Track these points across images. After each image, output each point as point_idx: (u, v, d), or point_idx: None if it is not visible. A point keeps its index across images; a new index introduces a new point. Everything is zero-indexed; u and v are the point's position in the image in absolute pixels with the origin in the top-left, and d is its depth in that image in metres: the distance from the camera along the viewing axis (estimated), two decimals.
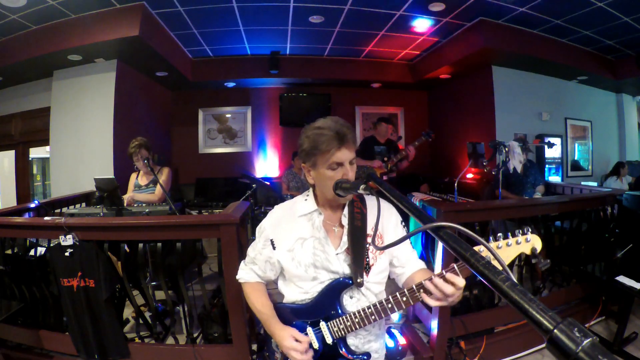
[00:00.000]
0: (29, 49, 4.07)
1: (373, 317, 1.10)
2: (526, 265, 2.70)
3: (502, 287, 0.50)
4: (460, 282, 0.96)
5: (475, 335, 2.39)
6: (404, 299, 1.05)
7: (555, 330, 0.41)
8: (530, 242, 1.03)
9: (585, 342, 0.38)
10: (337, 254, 1.19)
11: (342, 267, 1.19)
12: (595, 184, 6.05)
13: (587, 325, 2.76)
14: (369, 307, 1.11)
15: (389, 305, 1.08)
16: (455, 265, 0.99)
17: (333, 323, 1.16)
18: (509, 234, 1.04)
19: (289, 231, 1.22)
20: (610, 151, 6.52)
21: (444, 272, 0.99)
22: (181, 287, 2.25)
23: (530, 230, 1.04)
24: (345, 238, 1.20)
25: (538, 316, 0.43)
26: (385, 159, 3.93)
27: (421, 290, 1.02)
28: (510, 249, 1.02)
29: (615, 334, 2.46)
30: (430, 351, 2.28)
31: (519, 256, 1.04)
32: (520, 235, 1.03)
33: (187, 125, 6.49)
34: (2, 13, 3.59)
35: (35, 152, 5.56)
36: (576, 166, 6.21)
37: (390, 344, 2.35)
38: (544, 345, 0.43)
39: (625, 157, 6.54)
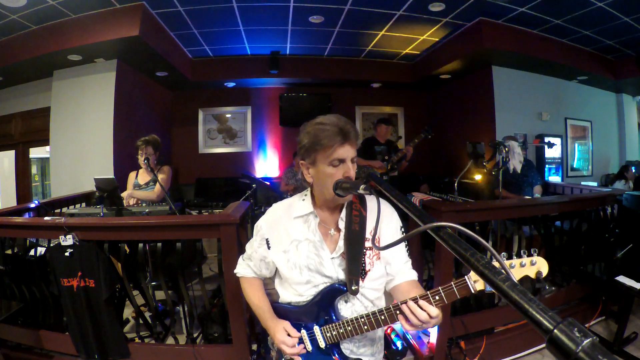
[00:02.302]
0: (29, 49, 4.07)
1: (366, 327, 1.08)
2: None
3: (502, 287, 0.50)
4: (433, 311, 0.95)
5: (475, 335, 2.39)
6: (398, 312, 1.04)
7: (555, 330, 0.41)
8: (535, 265, 0.97)
9: (585, 342, 0.38)
10: (332, 258, 1.17)
11: (337, 272, 1.17)
12: (595, 184, 6.05)
13: (587, 325, 2.76)
14: (362, 317, 1.08)
15: (382, 318, 1.05)
16: (429, 293, 0.97)
17: (326, 328, 1.15)
18: (514, 254, 0.99)
19: (284, 232, 1.20)
20: (610, 151, 6.52)
21: (417, 297, 0.98)
22: (181, 287, 2.25)
23: (536, 252, 0.98)
24: (341, 242, 1.17)
25: (538, 316, 0.44)
26: (386, 157, 3.95)
27: (397, 312, 1.01)
28: (514, 271, 0.97)
29: (615, 334, 2.46)
30: (430, 351, 2.28)
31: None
32: (525, 256, 0.97)
33: (187, 125, 6.49)
34: (2, 13, 3.59)
35: (35, 152, 5.56)
36: (573, 170, 6.21)
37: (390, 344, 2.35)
38: (544, 345, 0.43)
39: (625, 157, 6.54)
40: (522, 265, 0.97)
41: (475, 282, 0.96)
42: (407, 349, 2.41)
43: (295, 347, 1.15)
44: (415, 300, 0.97)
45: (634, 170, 5.41)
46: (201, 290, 2.31)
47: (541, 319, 0.43)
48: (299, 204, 1.22)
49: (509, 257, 0.98)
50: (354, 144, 1.11)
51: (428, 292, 0.98)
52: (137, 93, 5.06)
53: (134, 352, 2.22)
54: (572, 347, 0.38)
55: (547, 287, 0.88)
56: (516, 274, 0.98)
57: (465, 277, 0.97)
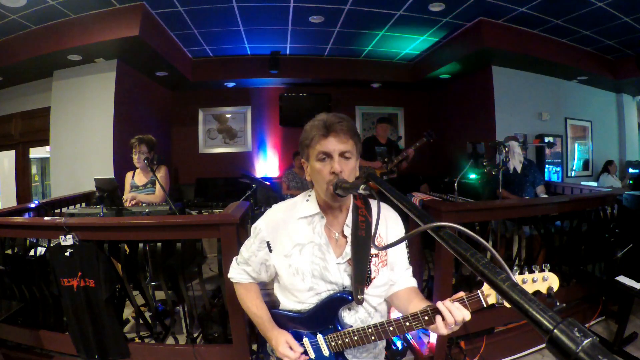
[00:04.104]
0: (29, 49, 4.07)
1: (373, 337, 1.07)
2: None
3: (502, 287, 0.50)
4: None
5: (475, 335, 2.38)
6: (407, 324, 1.03)
7: (555, 330, 0.41)
8: (547, 281, 0.98)
9: (585, 342, 0.38)
10: (338, 263, 1.13)
11: (342, 277, 1.13)
12: (595, 184, 6.05)
13: (587, 325, 2.76)
14: (369, 328, 1.07)
15: (391, 329, 1.05)
16: (464, 296, 0.97)
17: (331, 337, 1.12)
18: (526, 269, 1.00)
19: (286, 235, 1.15)
20: (610, 151, 6.51)
21: (461, 298, 0.98)
22: (181, 287, 2.25)
23: (548, 267, 0.99)
24: (348, 249, 1.13)
25: (538, 316, 0.43)
26: (386, 159, 3.95)
27: (432, 314, 0.99)
28: (525, 286, 0.97)
29: (615, 334, 2.46)
30: (430, 351, 2.28)
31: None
32: (537, 272, 0.99)
33: (187, 125, 6.48)
34: (2, 13, 3.59)
35: (35, 152, 5.56)
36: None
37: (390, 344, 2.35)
38: (544, 345, 0.43)
39: (625, 157, 6.53)
40: (534, 281, 0.98)
41: (488, 297, 0.96)
42: (407, 349, 2.41)
43: None
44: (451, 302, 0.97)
45: (617, 165, 5.71)
46: (201, 290, 2.30)
47: (541, 319, 0.43)
48: (304, 205, 1.18)
49: (522, 272, 0.99)
50: (342, 138, 1.07)
51: (463, 295, 0.98)
52: (137, 93, 5.06)
53: (134, 352, 2.22)
54: (572, 347, 0.38)
55: (558, 304, 0.88)
56: (528, 290, 0.98)
57: (478, 291, 0.97)
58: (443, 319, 0.96)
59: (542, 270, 0.99)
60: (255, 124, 6.58)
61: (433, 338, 2.30)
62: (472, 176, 3.74)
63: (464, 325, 2.35)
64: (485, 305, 0.96)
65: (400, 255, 1.23)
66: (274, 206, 1.24)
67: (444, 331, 0.96)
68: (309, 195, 1.20)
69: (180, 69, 5.14)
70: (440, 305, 0.97)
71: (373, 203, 1.22)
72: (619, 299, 2.57)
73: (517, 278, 0.99)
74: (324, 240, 1.14)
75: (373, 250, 1.14)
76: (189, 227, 2.13)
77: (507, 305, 0.51)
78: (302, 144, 1.14)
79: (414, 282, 1.24)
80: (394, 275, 1.21)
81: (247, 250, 1.24)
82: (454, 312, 0.94)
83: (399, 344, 2.38)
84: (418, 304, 1.09)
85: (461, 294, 0.99)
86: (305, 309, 1.16)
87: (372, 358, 1.21)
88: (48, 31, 3.96)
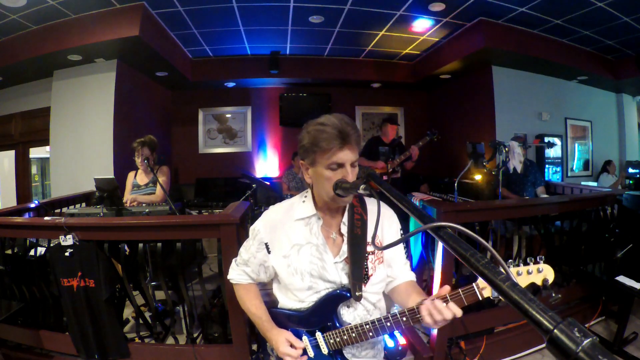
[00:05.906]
0: (29, 49, 4.07)
1: (371, 333, 1.08)
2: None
3: (502, 287, 0.50)
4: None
5: (475, 335, 2.38)
6: (404, 319, 1.04)
7: (555, 330, 0.41)
8: (542, 273, 0.98)
9: (585, 342, 0.38)
10: (335, 262, 1.14)
11: (340, 276, 1.14)
12: (595, 184, 6.05)
13: (587, 325, 2.76)
14: (367, 324, 1.07)
15: (388, 324, 1.06)
16: (460, 292, 0.98)
17: (329, 335, 1.13)
18: (520, 261, 1.00)
19: (284, 236, 1.16)
20: (610, 151, 6.51)
21: (447, 297, 0.99)
22: (181, 287, 2.25)
23: (543, 259, 0.99)
24: (344, 247, 1.14)
25: (538, 316, 0.43)
26: (389, 159, 3.93)
27: (420, 310, 1.01)
28: (520, 278, 0.98)
29: (615, 334, 2.45)
30: (430, 351, 2.28)
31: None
32: (532, 264, 0.99)
33: (187, 125, 6.49)
34: (2, 13, 3.59)
35: (35, 152, 5.56)
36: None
37: (390, 344, 2.35)
38: (544, 345, 0.43)
39: (625, 157, 6.53)
40: (529, 273, 0.98)
41: (483, 290, 0.97)
42: (407, 348, 2.40)
43: (301, 358, 1.13)
44: (445, 300, 0.98)
45: (616, 165, 5.82)
46: (201, 290, 2.30)
47: (541, 319, 0.43)
48: (300, 206, 1.18)
49: (516, 264, 0.99)
50: (354, 148, 1.06)
51: (435, 299, 0.99)
52: (137, 93, 5.06)
53: (134, 352, 2.22)
54: (572, 347, 0.38)
55: (554, 295, 0.88)
56: (523, 282, 0.98)
57: (473, 284, 0.98)
58: (430, 315, 0.98)
59: (536, 262, 0.99)
60: (255, 124, 6.58)
61: (433, 338, 2.30)
62: (478, 177, 3.73)
63: (464, 326, 2.35)
64: (480, 298, 0.97)
65: (397, 251, 1.24)
66: (271, 207, 1.25)
67: (435, 325, 0.98)
68: (305, 197, 1.20)
69: (180, 69, 5.14)
70: (428, 304, 0.98)
71: (368, 201, 1.23)
72: (619, 299, 2.56)
73: (512, 270, 0.99)
74: (321, 240, 1.15)
75: (369, 248, 1.15)
76: (189, 227, 2.13)
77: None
78: (306, 148, 1.09)
79: (412, 276, 1.25)
80: (394, 271, 1.23)
81: (246, 251, 1.25)
82: (443, 311, 0.96)
83: (398, 344, 2.38)
84: (417, 298, 1.10)
85: (447, 288, 1.00)
86: (304, 307, 1.17)
87: (371, 357, 1.21)
88: (48, 31, 3.96)
